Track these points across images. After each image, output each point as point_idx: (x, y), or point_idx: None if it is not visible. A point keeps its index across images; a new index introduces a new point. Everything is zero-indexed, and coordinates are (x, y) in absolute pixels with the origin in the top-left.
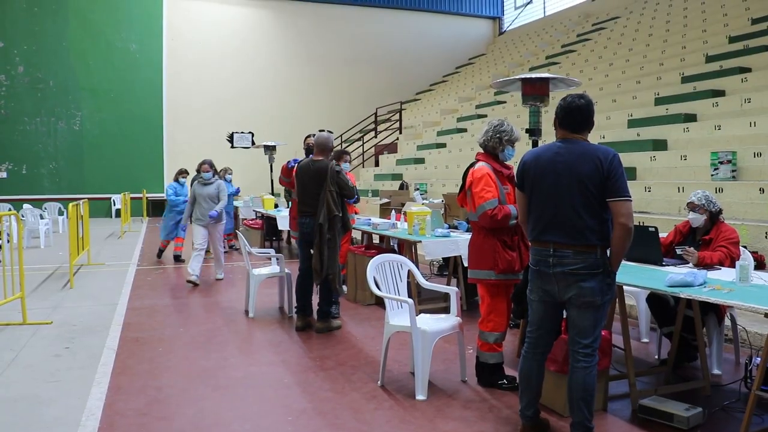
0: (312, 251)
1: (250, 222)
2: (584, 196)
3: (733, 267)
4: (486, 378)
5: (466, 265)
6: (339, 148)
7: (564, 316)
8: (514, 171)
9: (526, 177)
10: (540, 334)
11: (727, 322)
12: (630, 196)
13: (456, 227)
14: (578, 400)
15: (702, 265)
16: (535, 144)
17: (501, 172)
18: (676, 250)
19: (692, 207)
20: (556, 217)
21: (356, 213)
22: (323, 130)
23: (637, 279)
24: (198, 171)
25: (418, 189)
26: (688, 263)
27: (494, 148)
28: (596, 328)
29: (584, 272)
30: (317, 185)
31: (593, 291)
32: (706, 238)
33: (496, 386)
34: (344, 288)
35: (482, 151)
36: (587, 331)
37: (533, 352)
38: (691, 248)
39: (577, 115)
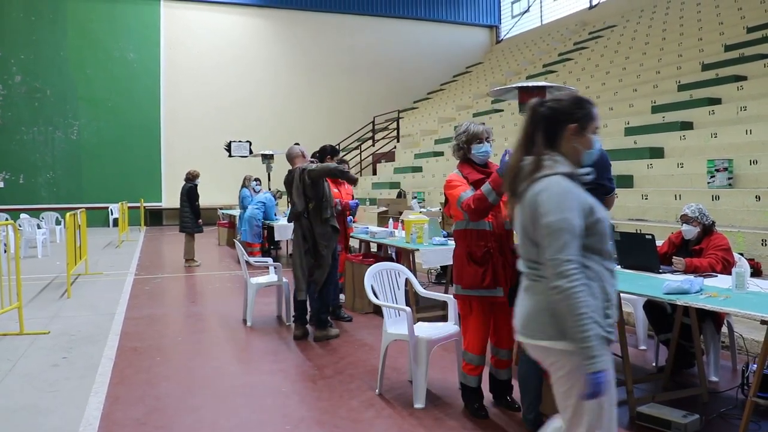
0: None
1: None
2: None
3: (727, 272)
4: (464, 401)
5: None
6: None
7: None
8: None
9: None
10: None
11: (724, 329)
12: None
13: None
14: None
15: (691, 269)
16: None
17: (467, 178)
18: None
19: (686, 219)
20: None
21: (354, 222)
22: (298, 144)
23: (633, 286)
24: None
25: (415, 197)
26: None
27: (463, 154)
28: None
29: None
30: (294, 191)
31: None
32: (696, 248)
33: (476, 415)
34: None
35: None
36: None
37: (526, 354)
38: (679, 258)
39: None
